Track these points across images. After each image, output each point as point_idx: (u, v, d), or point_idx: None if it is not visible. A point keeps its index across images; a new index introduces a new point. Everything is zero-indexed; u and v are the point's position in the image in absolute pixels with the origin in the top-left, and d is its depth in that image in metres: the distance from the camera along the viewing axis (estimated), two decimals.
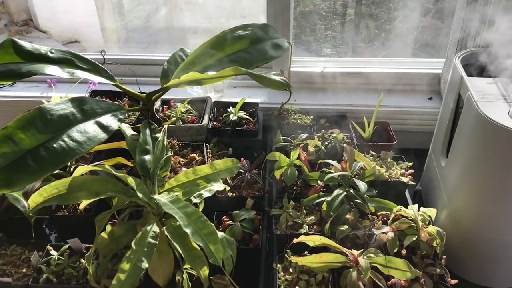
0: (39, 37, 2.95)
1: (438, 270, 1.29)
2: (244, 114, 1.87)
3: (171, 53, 1.59)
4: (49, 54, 1.35)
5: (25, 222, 1.45)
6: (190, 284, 1.26)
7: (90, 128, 1.22)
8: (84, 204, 1.40)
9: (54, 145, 1.14)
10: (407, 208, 1.41)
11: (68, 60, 1.38)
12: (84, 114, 1.25)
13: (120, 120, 1.30)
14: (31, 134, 1.14)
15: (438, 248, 1.34)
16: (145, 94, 1.45)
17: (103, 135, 1.23)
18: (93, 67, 1.41)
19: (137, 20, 2.96)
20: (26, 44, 1.31)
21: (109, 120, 1.27)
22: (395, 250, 1.31)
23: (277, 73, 1.34)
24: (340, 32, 2.38)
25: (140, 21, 2.96)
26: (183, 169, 1.59)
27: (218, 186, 1.40)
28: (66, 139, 1.16)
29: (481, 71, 1.48)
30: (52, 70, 1.32)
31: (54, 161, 1.13)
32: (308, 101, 2.08)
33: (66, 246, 1.39)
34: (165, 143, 1.35)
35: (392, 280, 1.24)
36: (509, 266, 1.47)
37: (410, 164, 1.67)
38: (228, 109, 1.89)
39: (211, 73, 1.33)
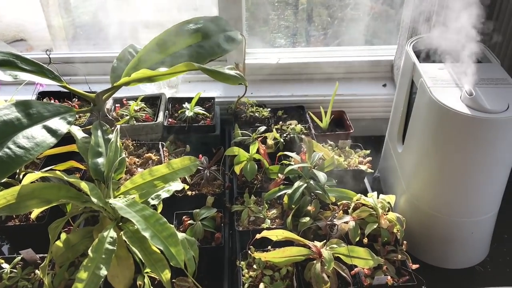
0: None
1: (399, 256, 1.31)
2: (201, 110, 1.83)
3: (121, 49, 1.53)
4: None
5: None
6: None
7: (37, 133, 1.17)
8: (36, 212, 1.33)
9: None
10: (367, 196, 1.43)
11: (9, 62, 1.30)
12: (30, 118, 1.19)
13: (69, 123, 1.25)
14: None
15: (399, 234, 1.35)
16: (94, 94, 1.40)
17: (51, 140, 1.17)
18: (37, 68, 1.34)
19: (85, 15, 2.85)
20: None
21: (57, 123, 1.22)
22: (357, 239, 1.32)
23: (231, 67, 1.31)
24: (294, 22, 2.37)
25: (88, 16, 2.85)
26: (139, 169, 1.54)
27: (177, 185, 1.37)
28: (12, 146, 1.11)
29: (433, 57, 1.50)
30: None
31: (0, 170, 1.07)
32: (264, 93, 2.06)
33: (19, 257, 1.32)
34: (118, 144, 1.31)
35: (356, 269, 1.24)
36: (466, 247, 1.51)
37: (368, 151, 1.69)
38: (184, 105, 1.85)
39: (163, 70, 1.29)
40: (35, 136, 1.15)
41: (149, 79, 1.37)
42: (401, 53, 1.92)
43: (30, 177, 1.23)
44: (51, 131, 1.19)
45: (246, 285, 1.23)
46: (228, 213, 1.51)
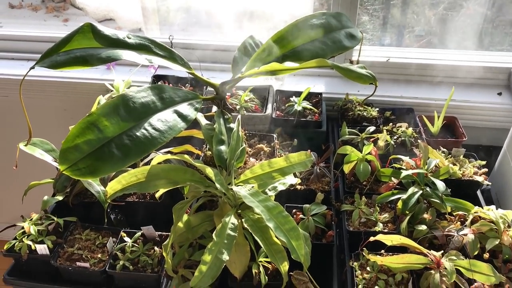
0: (75, 14, 2.86)
1: None
2: (308, 104, 1.83)
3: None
4: (127, 39, 1.33)
5: (95, 207, 1.46)
6: (266, 277, 1.25)
7: (169, 117, 1.21)
8: (160, 192, 1.39)
9: (137, 134, 1.13)
10: (482, 208, 1.37)
11: (145, 46, 1.35)
12: (164, 102, 1.24)
13: (196, 109, 1.28)
14: (115, 122, 1.12)
15: None
16: (218, 84, 1.43)
17: (182, 124, 1.21)
18: (168, 54, 1.38)
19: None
20: (104, 29, 1.29)
21: (186, 109, 1.26)
22: (475, 253, 1.27)
23: (362, 66, 1.29)
24: (400, 20, 2.30)
25: (182, 0, 2.88)
26: (251, 159, 1.57)
27: (291, 179, 1.38)
28: (148, 128, 1.15)
29: None
30: (130, 55, 1.30)
31: (138, 150, 1.11)
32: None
33: (139, 233, 1.39)
34: (240, 133, 1.33)
35: (476, 284, 1.20)
36: None
37: (483, 162, 1.61)
38: (291, 99, 1.86)
39: (292, 64, 1.29)
40: (168, 120, 1.20)
41: (274, 73, 1.39)
42: None
43: (159, 158, 1.29)
44: (181, 116, 1.23)
45: (360, 286, 1.22)
46: (335, 211, 1.50)
